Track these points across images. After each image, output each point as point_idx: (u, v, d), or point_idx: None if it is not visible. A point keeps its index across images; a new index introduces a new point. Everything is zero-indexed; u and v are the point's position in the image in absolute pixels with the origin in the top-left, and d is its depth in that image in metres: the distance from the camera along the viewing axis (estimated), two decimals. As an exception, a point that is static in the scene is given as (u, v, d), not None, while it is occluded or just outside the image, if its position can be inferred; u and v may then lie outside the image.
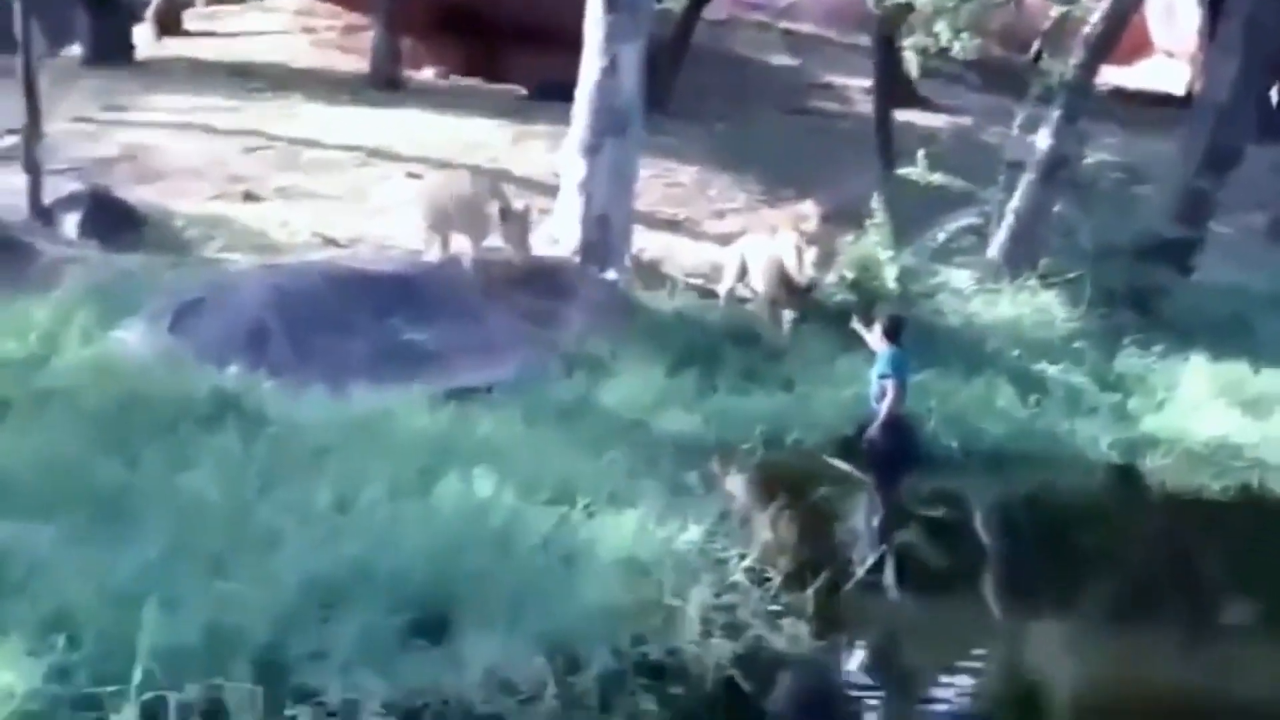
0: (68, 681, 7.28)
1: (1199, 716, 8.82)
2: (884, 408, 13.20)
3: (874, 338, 13.92)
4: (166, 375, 11.53)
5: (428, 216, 15.85)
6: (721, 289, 16.43)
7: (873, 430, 13.20)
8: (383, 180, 18.97)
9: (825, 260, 15.71)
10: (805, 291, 15.76)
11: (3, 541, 8.40)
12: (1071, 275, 17.39)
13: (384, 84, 23.71)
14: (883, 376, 13.32)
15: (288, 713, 7.36)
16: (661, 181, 19.86)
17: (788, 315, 15.83)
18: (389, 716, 7.45)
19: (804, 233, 15.63)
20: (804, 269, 15.44)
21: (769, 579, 9.59)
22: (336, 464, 10.14)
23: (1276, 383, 15.75)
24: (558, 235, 16.69)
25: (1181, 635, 10.04)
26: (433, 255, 15.61)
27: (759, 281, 16.00)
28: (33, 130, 16.83)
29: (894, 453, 13.09)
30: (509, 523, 9.51)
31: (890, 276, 16.51)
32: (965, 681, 9.24)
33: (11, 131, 17.89)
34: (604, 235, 16.58)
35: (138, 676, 7.26)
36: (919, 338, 15.06)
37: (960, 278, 17.55)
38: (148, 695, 7.24)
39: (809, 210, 16.10)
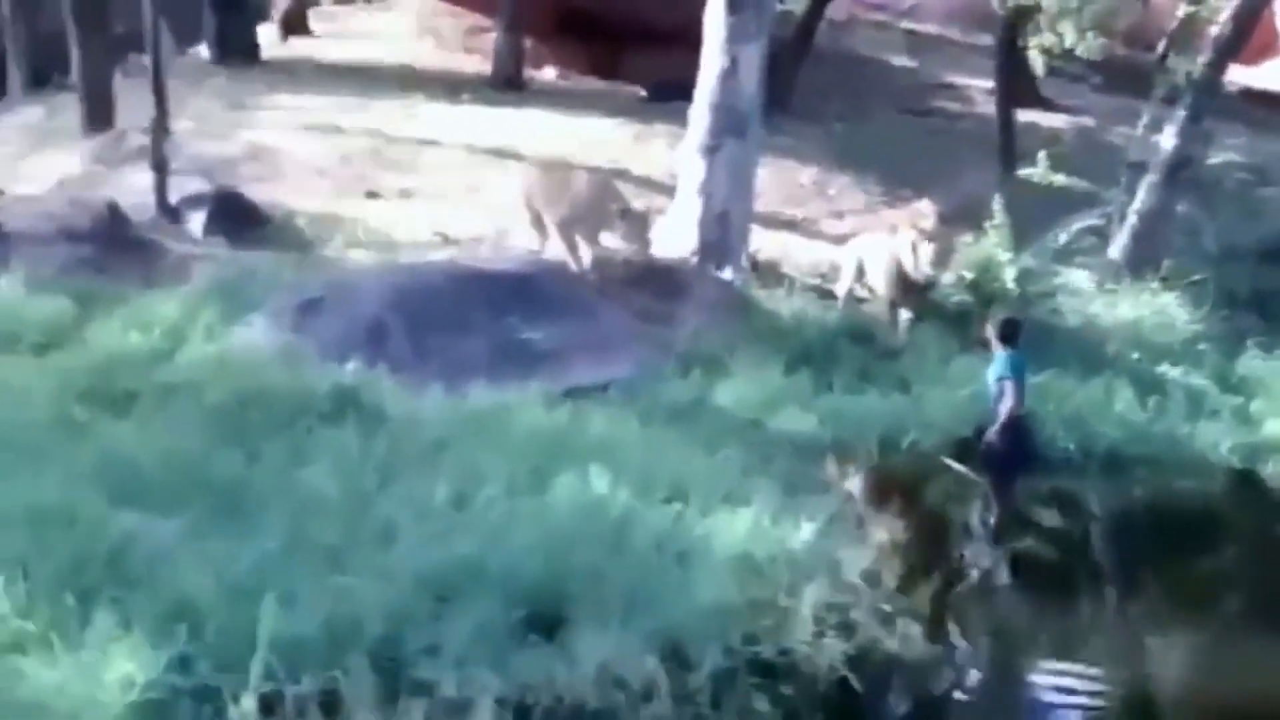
0: (188, 672, 7.41)
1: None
2: (1001, 410, 13.07)
3: (991, 339, 13.80)
4: (287, 371, 11.68)
5: (528, 210, 15.98)
6: (839, 289, 16.37)
7: (990, 432, 13.07)
8: (503, 180, 19.08)
9: (942, 259, 15.58)
10: (923, 290, 15.66)
11: (126, 532, 8.55)
12: (1194, 277, 17.14)
13: (505, 84, 23.86)
14: (1000, 378, 13.19)
15: (402, 706, 7.43)
16: (780, 181, 19.83)
17: (905, 315, 15.73)
18: (502, 711, 7.48)
19: (921, 231, 15.54)
20: (921, 268, 15.34)
21: (883, 580, 9.55)
22: (453, 460, 10.22)
23: None
24: (675, 235, 16.69)
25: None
26: (547, 250, 15.71)
27: (877, 281, 15.92)
28: (160, 129, 17.12)
29: (1011, 455, 12.95)
30: (624, 520, 9.54)
31: (1009, 277, 16.37)
32: (1080, 687, 9.15)
33: (140, 130, 18.22)
34: (722, 235, 16.57)
35: (257, 668, 7.37)
36: (1037, 339, 14.90)
37: (1080, 279, 17.34)
38: (266, 687, 7.35)
39: (926, 209, 16.04)
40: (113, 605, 7.74)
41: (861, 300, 16.27)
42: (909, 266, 15.40)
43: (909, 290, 15.62)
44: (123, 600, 7.84)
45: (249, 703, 7.24)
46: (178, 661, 7.40)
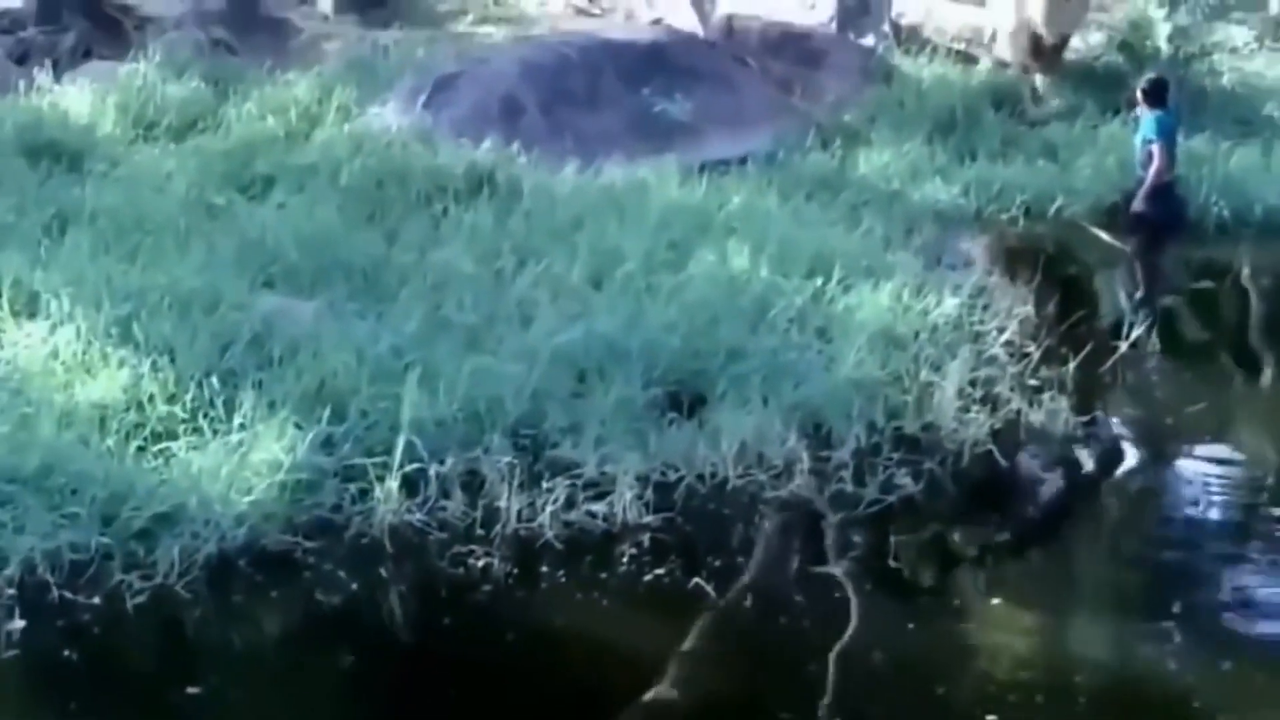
0: (333, 453, 7.49)
1: None
2: (1150, 174, 12.70)
3: (1138, 101, 13.36)
4: (422, 150, 11.63)
5: None
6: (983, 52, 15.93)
7: (1138, 198, 12.74)
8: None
9: (1074, 18, 15.09)
10: (1055, 51, 15.21)
11: (268, 315, 8.63)
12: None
13: None
14: (1147, 142, 12.80)
15: (545, 485, 7.46)
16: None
17: (1039, 79, 15.30)
18: (643, 489, 7.49)
19: None
20: (1054, 27, 14.89)
21: (1028, 353, 9.38)
22: (590, 238, 10.16)
23: None
24: (815, 1, 16.30)
25: None
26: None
27: (1007, 43, 15.48)
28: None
29: (1160, 221, 12.62)
30: (763, 295, 9.45)
31: (1162, 35, 15.80)
32: (1229, 456, 8.98)
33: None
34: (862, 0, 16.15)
35: (400, 448, 7.43)
36: (1191, 100, 14.45)
37: (1238, 35, 16.71)
38: (410, 467, 7.41)
39: None
40: (257, 387, 7.83)
41: (1005, 65, 15.82)
42: (1041, 28, 14.94)
43: (1040, 53, 15.18)
44: (267, 383, 7.93)
45: (393, 483, 7.31)
46: (323, 442, 7.49)
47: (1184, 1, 16.31)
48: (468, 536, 7.18)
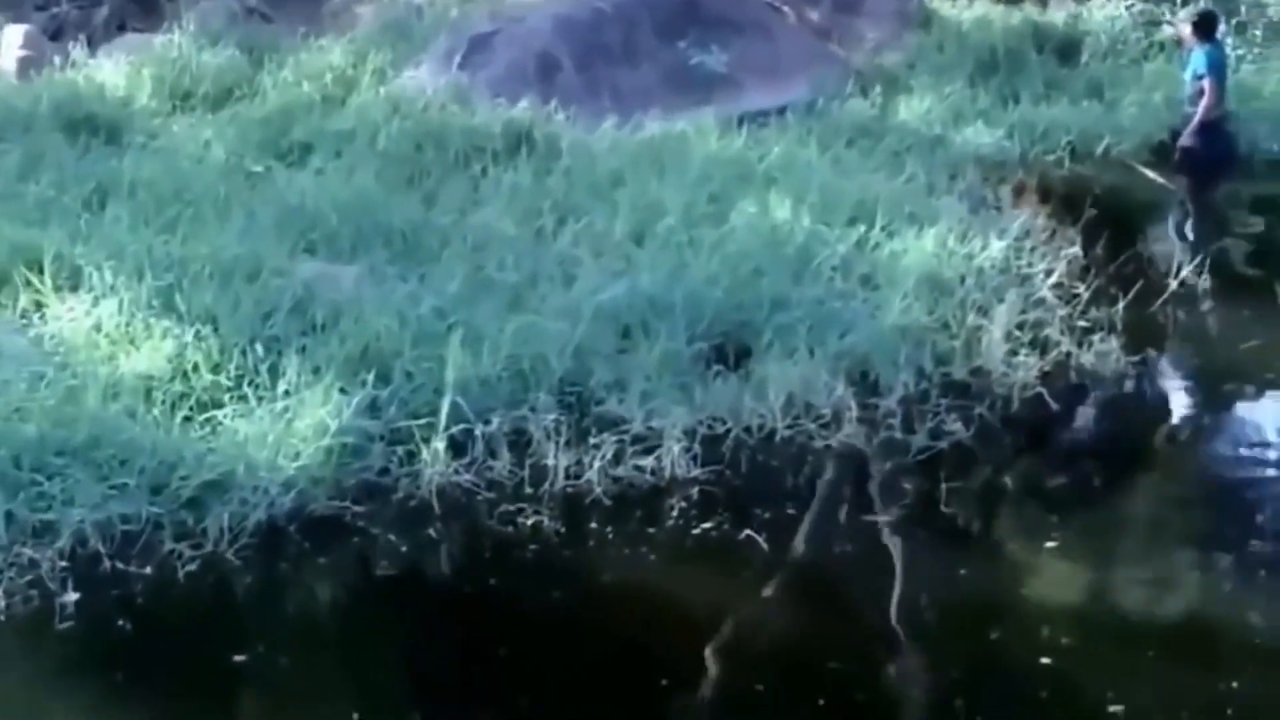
0: (378, 416, 7.47)
1: None
2: (1199, 110, 12.53)
3: (1186, 34, 13.18)
4: (459, 111, 11.59)
5: None
6: None
7: (1187, 135, 12.58)
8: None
9: None
10: None
11: (310, 281, 8.61)
12: None
13: None
14: (1197, 77, 12.62)
15: (591, 441, 7.43)
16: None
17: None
18: (691, 443, 7.45)
19: None
20: None
21: (1077, 294, 9.29)
22: (630, 194, 10.11)
23: None
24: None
25: None
26: None
27: None
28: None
29: (1210, 158, 12.46)
30: (806, 245, 9.38)
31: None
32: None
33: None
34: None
35: (445, 410, 7.41)
36: (1237, 32, 14.27)
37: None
38: (456, 428, 7.39)
39: None
40: (301, 354, 7.82)
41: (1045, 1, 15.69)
42: None
43: None
44: (311, 348, 7.92)
45: (439, 444, 7.29)
46: (368, 405, 7.48)
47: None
48: (516, 495, 7.16)
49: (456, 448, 7.34)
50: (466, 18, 13.85)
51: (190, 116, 11.88)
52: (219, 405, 7.48)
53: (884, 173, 11.09)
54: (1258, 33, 15.06)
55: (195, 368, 7.68)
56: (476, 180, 10.49)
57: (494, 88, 12.05)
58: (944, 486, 7.42)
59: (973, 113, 13.05)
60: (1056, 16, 15.28)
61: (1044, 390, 8.28)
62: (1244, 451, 8.12)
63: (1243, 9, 15.31)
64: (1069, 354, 8.67)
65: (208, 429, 7.31)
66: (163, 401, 7.47)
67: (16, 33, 13.47)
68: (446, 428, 7.36)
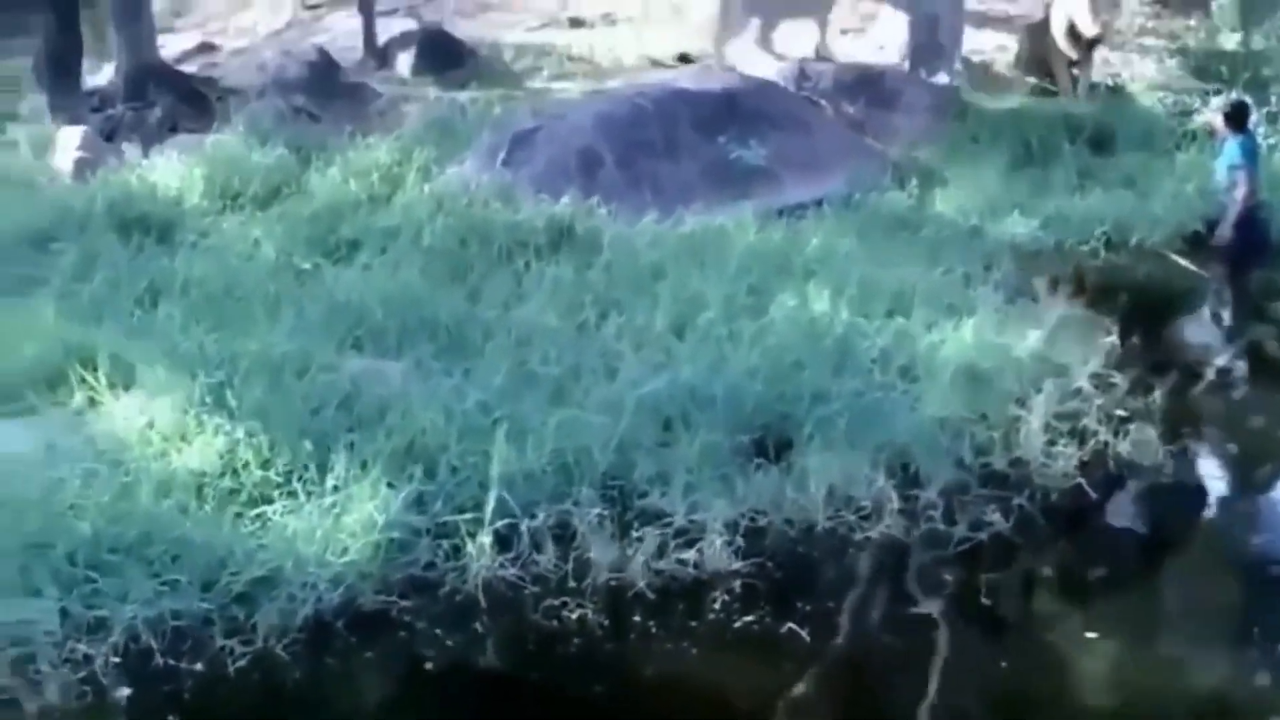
0: (424, 510, 7.59)
1: None
2: (1235, 201, 12.61)
3: (1218, 125, 13.28)
4: (502, 207, 11.76)
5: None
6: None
7: (1223, 224, 12.65)
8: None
9: (1109, 7, 15.30)
10: (1090, 45, 15.35)
11: (358, 376, 8.74)
12: None
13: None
14: (1231, 168, 12.71)
15: (635, 535, 7.53)
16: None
17: (1074, 72, 15.45)
18: (732, 536, 7.53)
19: None
20: (1093, 21, 15.08)
21: (1114, 383, 9.36)
22: (671, 287, 10.23)
23: None
24: (885, 40, 16.35)
25: None
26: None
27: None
28: (363, -29, 17.21)
29: (1245, 247, 12.52)
30: (845, 337, 9.48)
31: (1237, 60, 15.76)
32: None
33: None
34: (933, 37, 16.17)
35: (491, 504, 7.52)
36: (1268, 122, 14.37)
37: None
38: (501, 522, 7.50)
39: None
40: (349, 449, 7.94)
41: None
42: (1082, 23, 15.08)
43: (1083, 46, 15.35)
44: (358, 443, 8.03)
45: (485, 538, 7.39)
46: (414, 500, 7.59)
47: (1258, 25, 16.25)
48: (561, 589, 7.25)
49: (502, 542, 7.45)
50: (509, 115, 14.06)
51: (240, 215, 12.07)
52: (269, 501, 7.60)
53: (921, 264, 11.18)
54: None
55: (245, 464, 7.81)
56: (520, 275, 10.63)
57: (537, 183, 12.23)
58: (984, 578, 7.48)
59: (1008, 203, 13.15)
60: (1090, 107, 15.41)
61: (1083, 480, 8.34)
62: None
63: (1274, 99, 15.39)
64: (1107, 443, 8.72)
65: (257, 524, 7.43)
66: (213, 498, 7.60)
67: (73, 134, 13.74)
68: (492, 522, 7.46)
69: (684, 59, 16.89)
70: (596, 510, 7.66)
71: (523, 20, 18.47)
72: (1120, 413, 9.08)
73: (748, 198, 12.31)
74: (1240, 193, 12.57)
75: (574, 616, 7.05)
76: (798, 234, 11.56)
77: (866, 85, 15.27)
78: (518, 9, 18.91)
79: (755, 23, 16.30)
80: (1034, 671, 6.74)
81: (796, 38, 16.14)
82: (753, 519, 7.78)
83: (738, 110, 13.65)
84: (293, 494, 7.63)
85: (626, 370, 8.93)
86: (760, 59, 15.84)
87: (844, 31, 16.69)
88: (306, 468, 7.77)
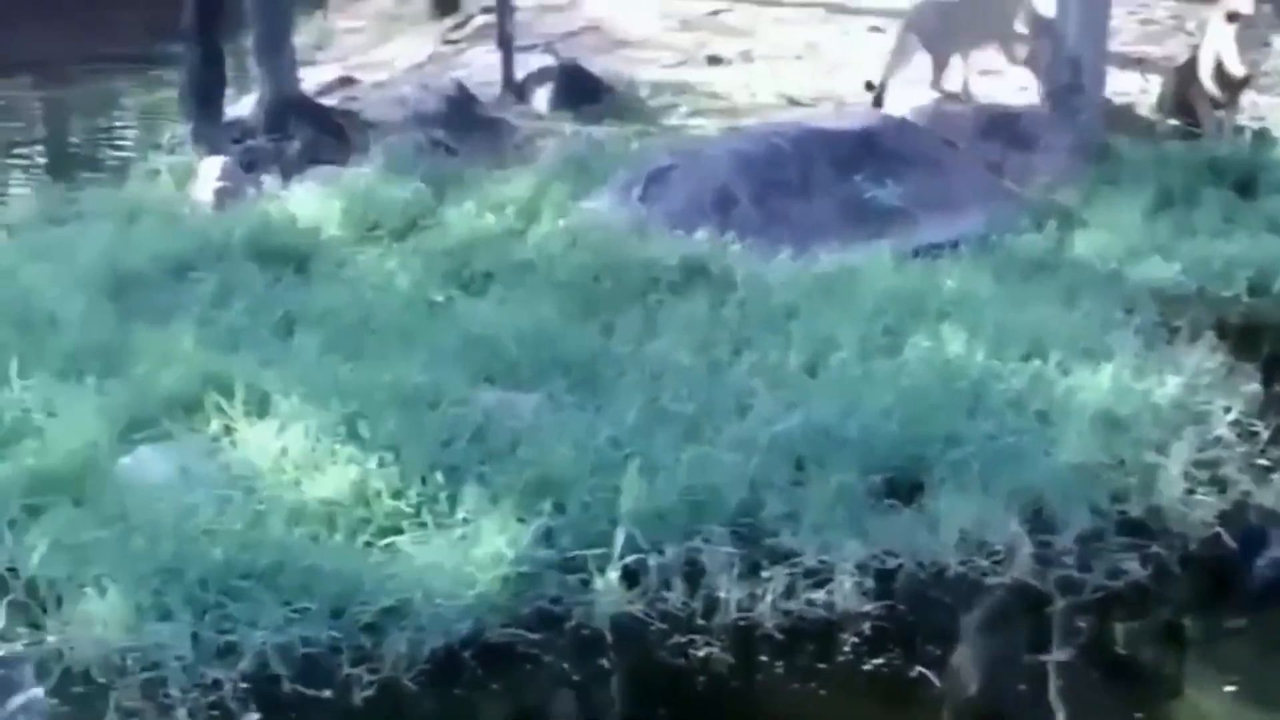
0: (553, 545, 7.59)
1: None
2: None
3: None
4: (636, 243, 11.75)
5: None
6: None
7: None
8: (844, 36, 18.78)
9: (1257, 48, 15.09)
10: (1240, 85, 15.09)
11: (490, 409, 8.77)
12: None
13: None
14: (1379, 211, 12.43)
15: (764, 574, 7.48)
16: (1137, 19, 18.97)
17: (1221, 115, 15.27)
18: (863, 577, 7.47)
19: (1231, 16, 14.92)
20: (1241, 61, 14.82)
21: (1256, 432, 9.17)
22: (804, 325, 10.16)
23: None
24: (1027, 81, 16.19)
25: None
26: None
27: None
28: (505, 6, 17.32)
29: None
30: (980, 380, 9.36)
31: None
32: None
33: (485, 10, 18.51)
34: (1075, 79, 15.96)
35: (620, 540, 7.51)
36: None
37: None
38: (629, 558, 7.48)
39: (1241, 2, 15.27)
40: (479, 481, 7.97)
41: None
42: (1230, 63, 14.87)
43: (1227, 86, 15.10)
44: (489, 476, 8.06)
45: (613, 574, 7.38)
46: (544, 535, 7.59)
47: None
48: (688, 627, 7.22)
49: (630, 577, 7.42)
50: (645, 151, 14.08)
51: (377, 247, 12.16)
52: (399, 531, 7.64)
53: (1059, 307, 11.02)
54: None
55: (378, 494, 7.86)
56: (653, 311, 10.61)
57: (671, 220, 12.22)
58: (1120, 626, 7.36)
59: (1149, 247, 12.92)
60: (1235, 150, 15.13)
61: (1223, 530, 8.18)
62: None
63: None
64: (1248, 493, 8.55)
65: (388, 555, 7.47)
66: (345, 527, 7.66)
67: (214, 165, 13.93)
68: (621, 557, 7.45)
69: (789, 100, 16.79)
70: (726, 548, 7.62)
71: (660, 57, 18.51)
72: (1263, 462, 8.90)
73: (883, 237, 12.21)
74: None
75: (701, 654, 7.01)
76: (933, 274, 11.44)
77: (1004, 126, 15.12)
78: (655, 46, 18.94)
79: (923, 58, 16.18)
80: (1169, 724, 6.62)
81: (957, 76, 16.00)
82: (883, 561, 7.71)
83: (874, 150, 13.56)
84: (423, 525, 7.66)
85: (759, 408, 8.86)
86: (906, 95, 15.72)
87: (983, 73, 16.52)
88: (437, 499, 7.80)
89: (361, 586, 7.18)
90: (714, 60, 18.55)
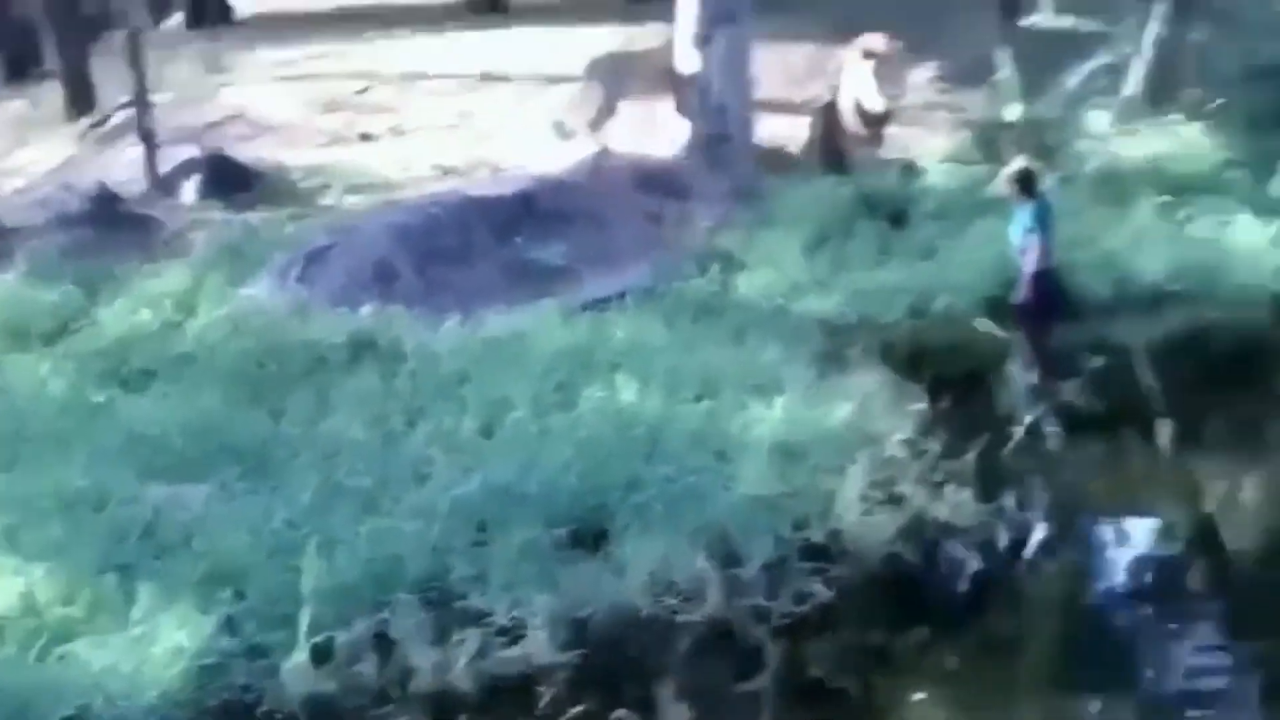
0: (237, 633, 7.34)
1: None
2: (1030, 263, 12.82)
3: (1009, 192, 13.54)
4: (299, 324, 11.53)
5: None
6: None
7: (1020, 287, 12.85)
8: (494, 103, 18.85)
9: (894, 84, 15.89)
10: (882, 120, 15.85)
11: (160, 504, 8.52)
12: (1216, 104, 16.80)
13: (486, 7, 23.67)
14: (1026, 231, 12.94)
15: (456, 637, 7.35)
16: (779, 64, 19.40)
17: (865, 150, 16.07)
18: (556, 629, 7.39)
19: (869, 54, 15.80)
20: (880, 97, 15.60)
21: (925, 449, 9.39)
22: (477, 389, 10.11)
23: None
24: (678, 132, 16.44)
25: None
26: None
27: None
28: (142, 101, 16.94)
29: (1045, 307, 12.71)
30: (657, 424, 9.42)
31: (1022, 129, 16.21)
32: (1139, 532, 9.05)
33: (123, 105, 18.07)
34: (723, 127, 16.29)
35: (305, 620, 7.29)
36: (1060, 186, 14.71)
37: (1098, 120, 17.04)
38: (318, 637, 7.27)
39: (875, 41, 16.01)
40: (154, 578, 7.70)
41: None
42: (869, 101, 15.57)
43: (873, 123, 15.69)
44: (163, 571, 7.79)
45: (301, 655, 7.17)
46: (225, 624, 7.35)
47: (1043, 95, 16.68)
48: (383, 698, 7.06)
49: (320, 656, 7.22)
50: (301, 232, 13.87)
51: (27, 353, 11.69)
52: (71, 638, 7.29)
53: (728, 347, 11.18)
54: (1079, 184, 15.50)
55: (47, 603, 7.51)
56: (323, 390, 10.39)
57: (334, 298, 12.02)
58: (810, 649, 7.44)
59: (810, 282, 13.23)
60: (884, 183, 15.62)
61: (902, 546, 8.34)
62: (1100, 588, 8.24)
63: (1062, 164, 15.77)
64: (923, 508, 8.74)
65: (62, 664, 7.13)
66: (15, 640, 7.29)
67: None
68: (308, 637, 7.24)
69: (443, 170, 16.83)
70: (414, 617, 7.45)
71: (309, 140, 18.30)
72: (935, 477, 9.11)
73: (549, 295, 12.22)
74: (1034, 255, 12.78)
75: (398, 725, 6.85)
76: (602, 327, 11.50)
77: (661, 177, 15.34)
78: (303, 130, 18.72)
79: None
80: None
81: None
82: (575, 611, 7.64)
83: (533, 210, 13.61)
84: (97, 629, 7.33)
85: (437, 475, 8.78)
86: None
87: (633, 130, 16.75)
88: (110, 601, 7.50)
89: (37, 699, 6.83)
90: (365, 137, 18.42)
